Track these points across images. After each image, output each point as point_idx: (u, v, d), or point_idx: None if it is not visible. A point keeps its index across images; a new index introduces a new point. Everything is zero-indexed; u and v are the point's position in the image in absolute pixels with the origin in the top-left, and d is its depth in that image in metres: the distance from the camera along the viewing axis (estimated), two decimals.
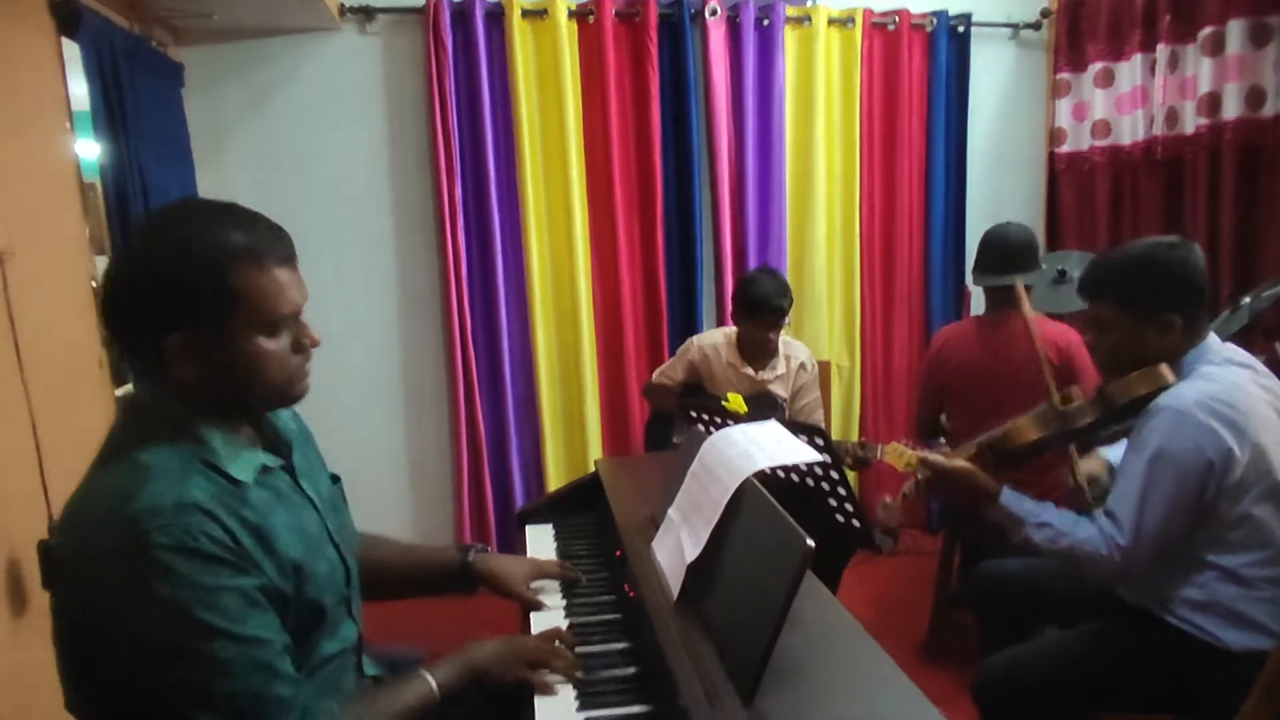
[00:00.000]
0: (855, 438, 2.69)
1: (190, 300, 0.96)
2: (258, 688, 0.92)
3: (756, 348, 2.63)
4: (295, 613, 1.02)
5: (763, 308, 2.51)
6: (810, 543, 0.95)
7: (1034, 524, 1.61)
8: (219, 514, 0.93)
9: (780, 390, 2.66)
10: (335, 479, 1.26)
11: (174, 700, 0.90)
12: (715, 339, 2.74)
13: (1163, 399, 1.50)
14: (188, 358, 0.99)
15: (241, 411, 1.07)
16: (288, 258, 1.03)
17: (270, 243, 1.01)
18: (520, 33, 3.08)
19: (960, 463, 1.71)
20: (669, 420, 2.82)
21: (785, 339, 2.72)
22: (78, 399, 2.07)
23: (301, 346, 1.06)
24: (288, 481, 1.10)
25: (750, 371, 2.64)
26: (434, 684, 1.12)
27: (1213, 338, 1.59)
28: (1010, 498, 1.65)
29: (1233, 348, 1.59)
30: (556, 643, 1.25)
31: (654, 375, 2.86)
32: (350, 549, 1.20)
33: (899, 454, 1.98)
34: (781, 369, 2.66)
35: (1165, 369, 1.54)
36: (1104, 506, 1.57)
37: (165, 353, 0.98)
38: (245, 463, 1.02)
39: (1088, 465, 1.92)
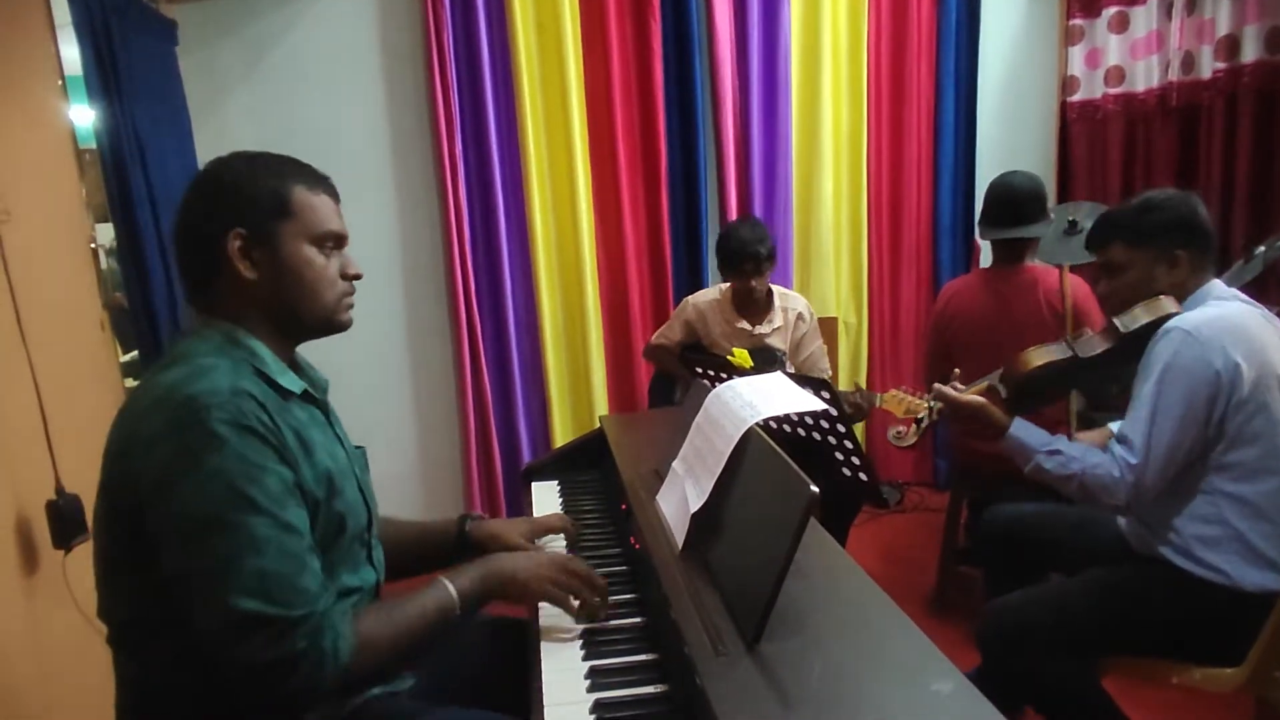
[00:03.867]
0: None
1: (254, 205, 1.08)
2: (288, 572, 0.95)
3: (745, 299, 2.61)
4: (324, 522, 1.06)
5: (739, 257, 2.50)
6: (814, 488, 0.94)
7: (1044, 452, 1.64)
8: (269, 407, 1.01)
9: (779, 343, 2.64)
10: (358, 448, 1.28)
11: (207, 574, 0.94)
12: (710, 296, 2.73)
13: (1170, 323, 1.54)
14: (247, 257, 1.07)
15: (292, 332, 1.14)
16: (335, 195, 1.17)
17: (321, 178, 1.16)
18: None
19: (972, 396, 1.74)
20: (672, 379, 2.81)
21: (782, 291, 2.70)
22: (81, 361, 2.07)
23: (346, 275, 1.16)
24: (322, 418, 1.17)
25: (746, 326, 2.63)
26: (453, 591, 1.13)
27: (1217, 281, 1.63)
28: (1020, 428, 1.68)
29: (1237, 291, 1.63)
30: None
31: (654, 337, 2.86)
32: (372, 501, 1.23)
33: (898, 400, 1.98)
34: (779, 321, 2.64)
35: (1170, 300, 1.60)
36: (1116, 433, 1.59)
37: (227, 252, 1.06)
38: (292, 380, 1.11)
39: (1090, 436, 1.92)
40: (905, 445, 1.96)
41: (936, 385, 1.80)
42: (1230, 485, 1.50)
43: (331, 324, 1.15)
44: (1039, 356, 1.69)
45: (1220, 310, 1.54)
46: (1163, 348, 1.52)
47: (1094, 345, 1.67)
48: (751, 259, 2.49)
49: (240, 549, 0.93)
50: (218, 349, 1.04)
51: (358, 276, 1.17)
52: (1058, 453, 1.62)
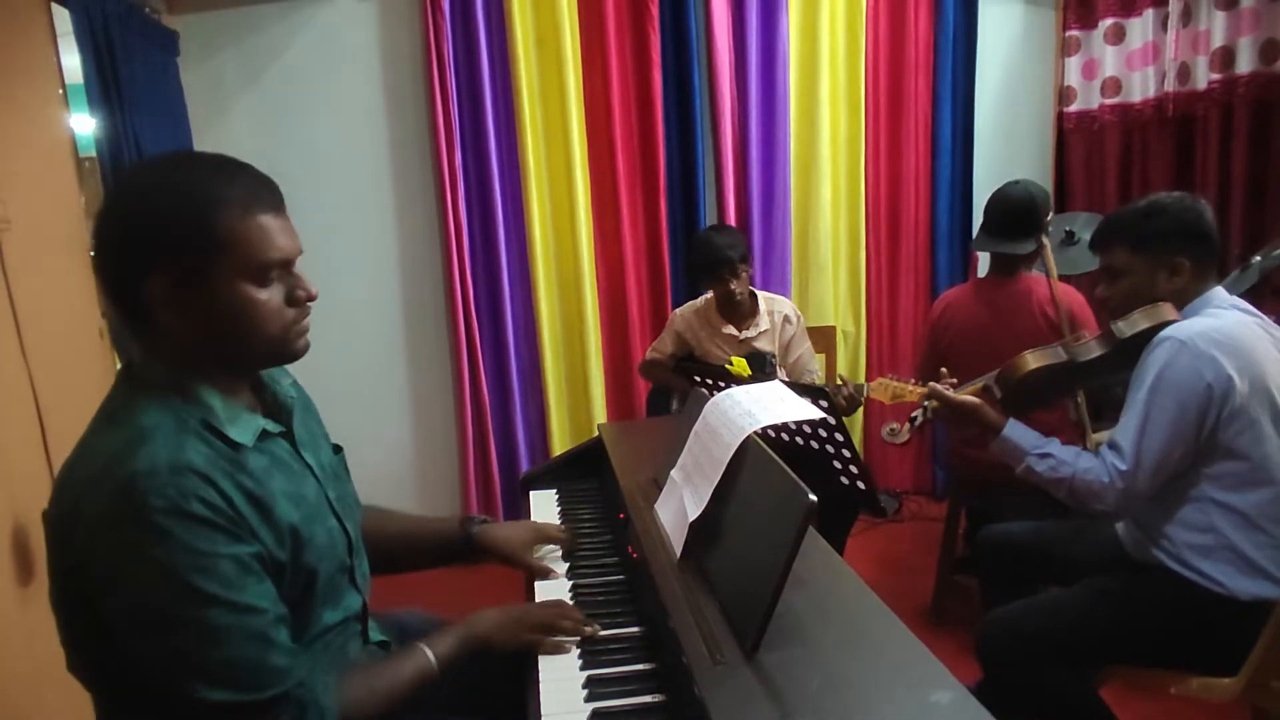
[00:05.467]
0: None
1: (171, 242, 0.93)
2: (254, 656, 0.91)
3: (727, 303, 2.63)
4: (292, 581, 1.00)
5: (712, 263, 2.52)
6: (813, 496, 0.94)
7: (1036, 455, 1.65)
8: (216, 479, 0.91)
9: (766, 345, 2.66)
10: (337, 449, 1.25)
11: (168, 669, 0.89)
12: (696, 305, 2.75)
13: (1163, 332, 1.54)
14: (171, 306, 0.95)
15: (238, 371, 1.04)
16: (275, 206, 1.00)
17: (255, 190, 0.98)
18: None
19: (966, 396, 1.75)
20: (669, 391, 2.82)
21: (767, 295, 2.72)
22: (79, 369, 2.07)
23: (296, 299, 1.02)
24: (287, 449, 1.08)
25: (733, 331, 2.64)
26: (432, 657, 1.12)
27: (1219, 288, 1.62)
28: (1014, 430, 1.69)
29: (1238, 299, 1.62)
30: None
31: (647, 353, 2.88)
32: (352, 519, 1.18)
33: (885, 387, 1.98)
34: (765, 325, 2.66)
35: (1169, 307, 1.59)
36: (1108, 439, 1.59)
37: (148, 299, 0.94)
38: (245, 426, 1.00)
39: (1101, 436, 1.92)
40: (899, 442, 1.97)
41: (931, 384, 1.81)
42: (1221, 494, 1.50)
43: (280, 357, 1.04)
44: (1035, 360, 1.70)
45: (1216, 321, 1.53)
46: (1156, 357, 1.52)
47: (1090, 350, 1.67)
48: (725, 263, 2.51)
49: (201, 643, 0.88)
50: (159, 400, 0.95)
51: (310, 298, 1.03)
52: (1049, 456, 1.63)
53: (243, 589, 0.91)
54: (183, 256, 0.93)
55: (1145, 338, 1.57)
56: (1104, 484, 1.55)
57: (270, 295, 0.99)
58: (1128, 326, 1.61)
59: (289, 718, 0.92)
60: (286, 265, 1.01)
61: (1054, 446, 1.65)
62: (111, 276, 0.97)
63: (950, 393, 1.76)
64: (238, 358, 1.02)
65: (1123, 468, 1.53)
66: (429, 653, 1.13)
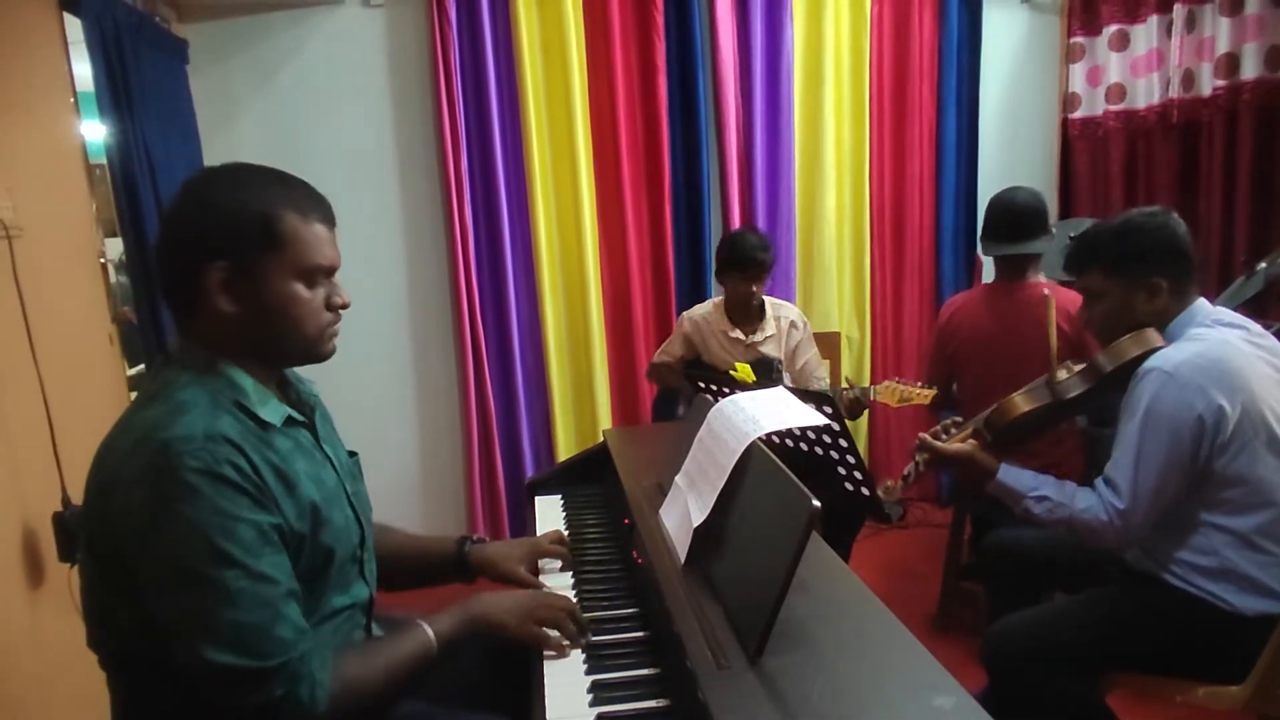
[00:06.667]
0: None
1: (238, 235, 1.02)
2: (262, 622, 0.95)
3: (741, 304, 2.65)
4: (309, 556, 1.05)
5: (743, 259, 2.55)
6: (816, 502, 0.95)
7: (1033, 497, 1.62)
8: (247, 449, 0.98)
9: (773, 351, 2.67)
10: (352, 454, 1.28)
11: (179, 624, 0.94)
12: (704, 308, 2.77)
13: (1149, 362, 1.51)
14: (227, 291, 1.03)
15: (272, 364, 1.12)
16: (327, 219, 1.11)
17: (315, 202, 1.09)
18: (525, 4, 3.05)
19: (957, 445, 1.73)
20: (676, 395, 2.83)
21: (774, 301, 2.74)
22: (89, 374, 2.08)
23: (333, 305, 1.11)
24: (309, 439, 1.14)
25: (740, 335, 2.66)
26: (431, 634, 1.13)
27: (1201, 301, 1.59)
28: (1008, 474, 1.66)
29: (1222, 310, 1.59)
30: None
31: (655, 356, 2.90)
32: (366, 515, 1.22)
33: (891, 390, 1.98)
34: (771, 330, 2.68)
35: (1153, 333, 1.56)
36: (1102, 474, 1.57)
37: (207, 284, 1.02)
38: (273, 409, 1.07)
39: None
40: (894, 499, 1.98)
41: (921, 435, 1.79)
42: (1220, 519, 1.49)
43: (312, 356, 1.12)
44: (1021, 404, 1.68)
45: (1201, 345, 1.49)
46: (1143, 388, 1.49)
47: (1075, 385, 1.65)
48: (756, 263, 2.54)
49: (215, 602, 0.93)
50: (197, 380, 1.02)
51: (345, 306, 1.13)
52: (1045, 498, 1.61)
53: (259, 557, 0.96)
54: (246, 248, 1.03)
55: (1130, 368, 1.54)
56: (1103, 522, 1.53)
57: (314, 296, 1.09)
58: (1110, 360, 1.58)
59: (285, 689, 0.95)
60: (330, 273, 1.11)
61: (1049, 487, 1.62)
62: (176, 258, 1.05)
63: (940, 443, 1.75)
64: (277, 349, 1.10)
65: (1120, 506, 1.51)
66: (428, 629, 1.14)
